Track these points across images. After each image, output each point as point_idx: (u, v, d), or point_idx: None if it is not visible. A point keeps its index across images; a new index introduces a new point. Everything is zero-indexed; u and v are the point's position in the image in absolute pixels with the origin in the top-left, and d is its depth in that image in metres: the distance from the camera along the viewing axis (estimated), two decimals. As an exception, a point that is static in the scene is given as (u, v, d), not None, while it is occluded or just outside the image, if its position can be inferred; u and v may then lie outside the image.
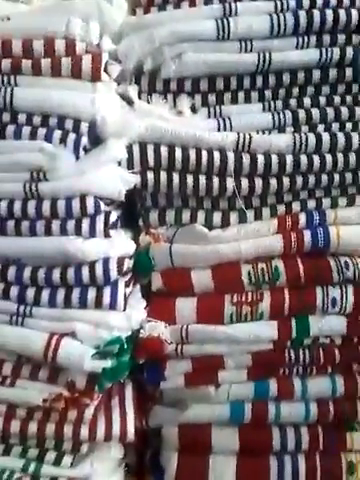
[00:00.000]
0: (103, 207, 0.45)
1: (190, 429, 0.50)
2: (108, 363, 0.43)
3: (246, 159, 0.48)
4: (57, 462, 0.46)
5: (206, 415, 0.50)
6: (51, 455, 0.46)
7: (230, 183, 0.49)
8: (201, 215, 0.50)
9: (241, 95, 0.50)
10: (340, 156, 0.49)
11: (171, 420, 0.51)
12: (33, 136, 0.45)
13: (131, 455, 0.52)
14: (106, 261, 0.45)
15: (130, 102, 0.48)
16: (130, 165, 0.47)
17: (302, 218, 0.50)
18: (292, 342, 0.50)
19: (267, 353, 0.50)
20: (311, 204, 0.51)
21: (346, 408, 0.51)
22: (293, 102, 0.50)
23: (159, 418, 0.51)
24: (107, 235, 0.45)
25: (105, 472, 0.47)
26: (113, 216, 0.46)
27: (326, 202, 0.51)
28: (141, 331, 0.48)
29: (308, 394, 0.50)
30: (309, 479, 0.50)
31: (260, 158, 0.48)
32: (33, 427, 0.46)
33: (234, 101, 0.50)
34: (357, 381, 0.51)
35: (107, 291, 0.45)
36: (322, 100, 0.50)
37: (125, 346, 0.45)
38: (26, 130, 0.45)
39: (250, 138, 0.48)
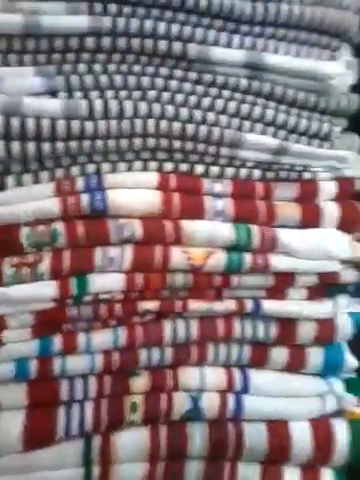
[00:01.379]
0: None
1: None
2: None
3: (16, 123, 0.49)
4: None
5: (-10, 374, 0.52)
6: None
7: (0, 146, 0.49)
8: (-25, 177, 0.50)
9: (12, 57, 0.50)
10: (113, 123, 0.51)
11: None
12: None
13: None
14: None
15: None
16: None
17: (80, 182, 0.52)
18: (73, 299, 0.53)
19: (49, 311, 0.52)
20: (90, 169, 0.53)
21: (128, 357, 0.55)
22: (67, 68, 0.51)
23: None
24: None
25: None
26: None
27: (105, 167, 0.53)
28: None
29: (92, 347, 0.54)
30: (95, 422, 0.54)
31: (30, 122, 0.49)
32: None
33: (5, 63, 0.50)
34: (136, 332, 0.55)
35: None
36: (97, 67, 0.52)
37: None
38: None
39: (20, 102, 0.49)
